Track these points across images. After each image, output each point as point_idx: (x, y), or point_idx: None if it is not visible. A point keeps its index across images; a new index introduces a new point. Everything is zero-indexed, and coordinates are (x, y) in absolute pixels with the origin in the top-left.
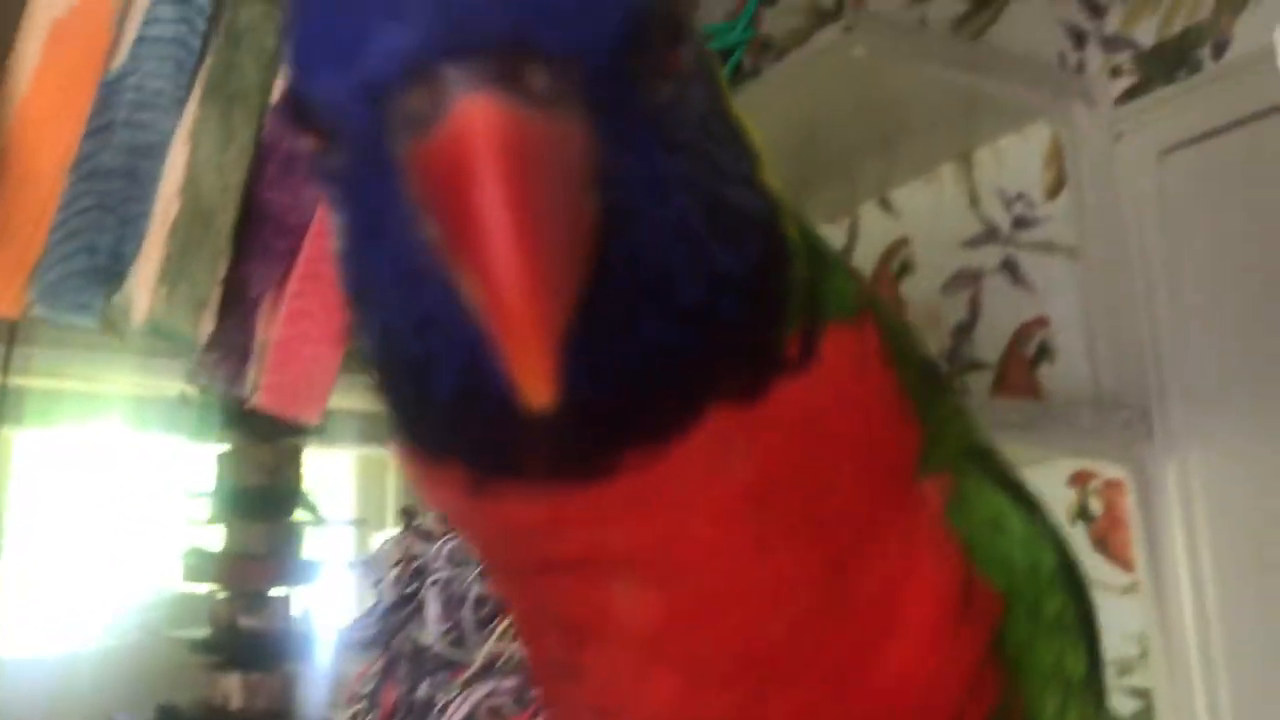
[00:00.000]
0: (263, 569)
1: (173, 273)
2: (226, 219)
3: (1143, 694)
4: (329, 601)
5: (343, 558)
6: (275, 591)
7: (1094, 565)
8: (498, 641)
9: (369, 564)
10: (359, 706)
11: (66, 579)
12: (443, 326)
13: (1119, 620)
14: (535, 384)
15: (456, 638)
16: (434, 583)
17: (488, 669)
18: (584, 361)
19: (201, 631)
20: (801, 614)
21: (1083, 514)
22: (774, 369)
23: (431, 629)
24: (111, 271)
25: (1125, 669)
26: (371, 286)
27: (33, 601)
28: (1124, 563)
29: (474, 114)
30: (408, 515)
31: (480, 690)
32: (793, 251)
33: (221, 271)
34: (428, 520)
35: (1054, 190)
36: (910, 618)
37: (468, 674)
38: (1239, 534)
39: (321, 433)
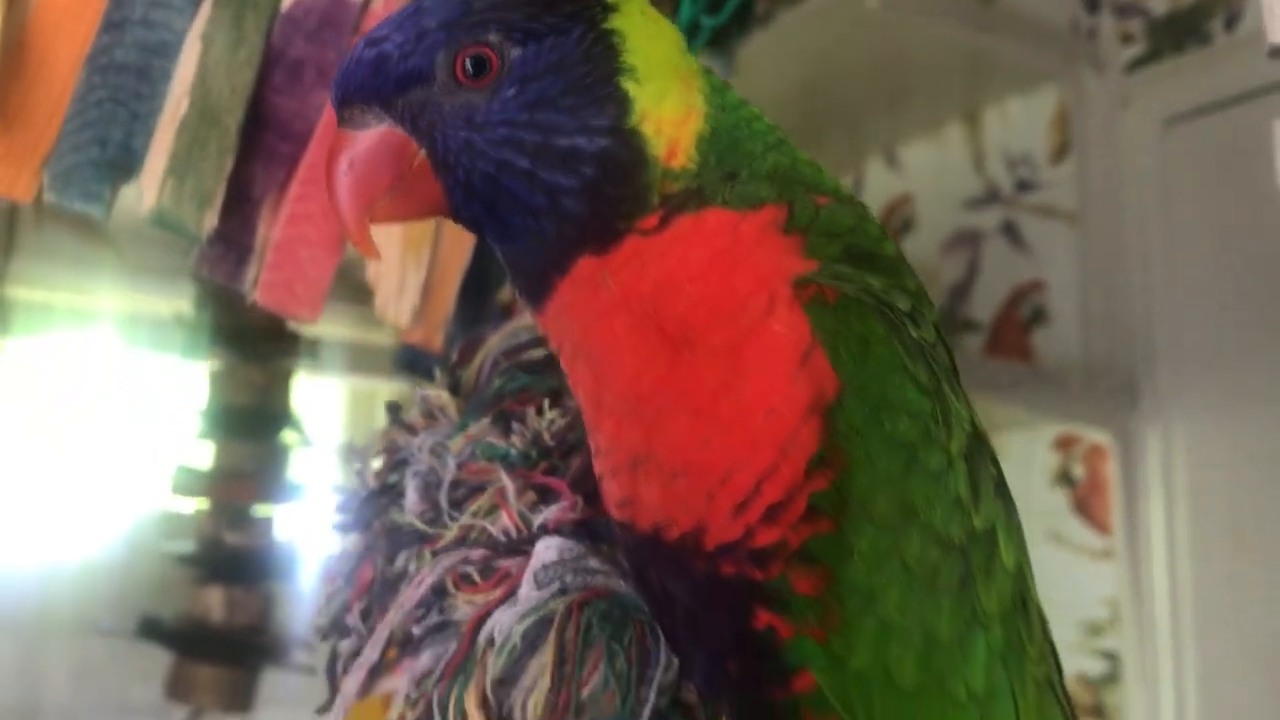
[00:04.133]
0: (249, 487)
1: (180, 168)
2: (233, 120)
3: (1111, 657)
4: (313, 523)
5: (328, 482)
6: (260, 510)
7: (1072, 529)
8: (470, 518)
9: (354, 453)
10: (336, 585)
11: (54, 489)
12: None
13: (1093, 584)
14: (359, 248)
15: (432, 517)
16: (415, 474)
17: (459, 541)
18: (495, 234)
19: (186, 546)
20: (665, 369)
21: (1065, 478)
22: (625, 234)
23: (409, 511)
24: (121, 164)
25: (1095, 631)
26: None
27: (20, 511)
28: (1102, 527)
29: (336, 135)
30: (393, 410)
31: (449, 559)
32: (647, 170)
33: (227, 170)
34: (412, 415)
35: (1058, 155)
36: (757, 367)
37: (439, 545)
38: (1216, 505)
39: (313, 356)
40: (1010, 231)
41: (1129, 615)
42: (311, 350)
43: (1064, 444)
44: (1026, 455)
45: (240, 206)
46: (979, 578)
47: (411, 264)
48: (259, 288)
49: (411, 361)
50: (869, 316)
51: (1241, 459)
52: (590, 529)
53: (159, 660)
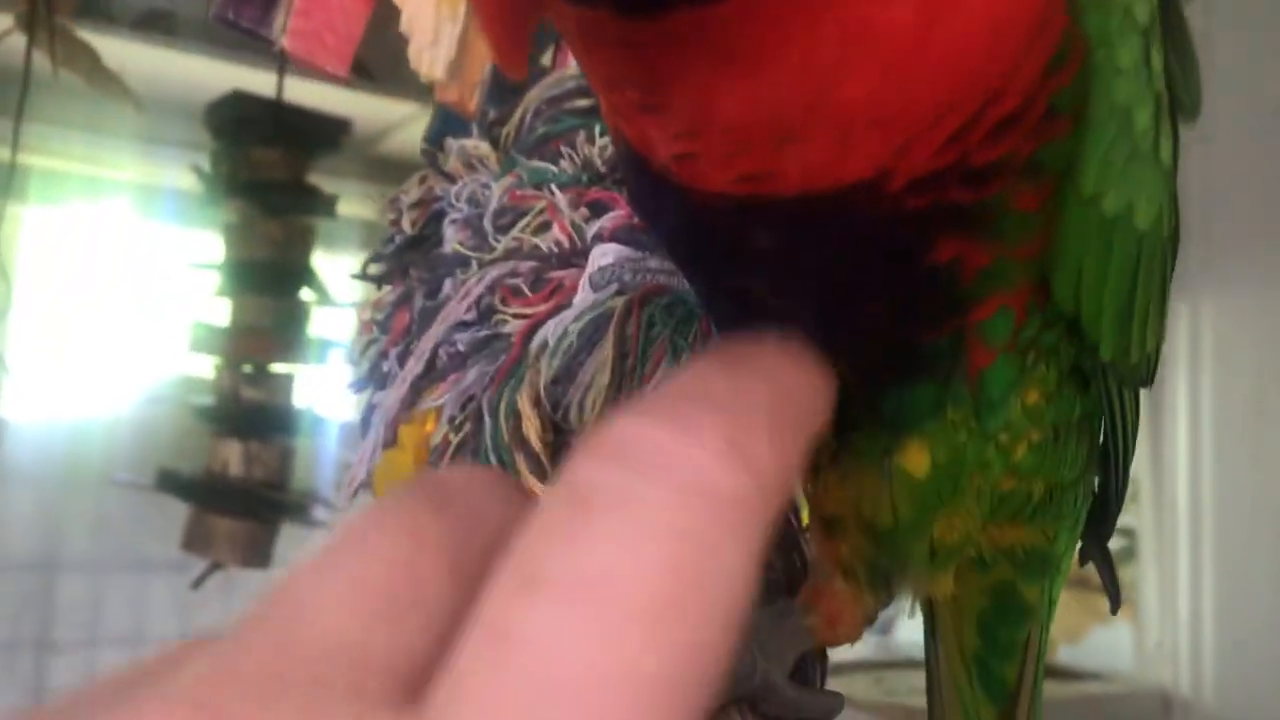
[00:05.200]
0: (266, 343)
1: None
2: None
3: (1128, 533)
4: (332, 382)
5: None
6: (278, 367)
7: None
8: (518, 234)
9: (389, 203)
10: (370, 336)
11: (75, 349)
12: None
13: None
14: (500, 59)
15: (476, 243)
16: (452, 222)
17: (507, 256)
18: None
19: (204, 401)
20: (859, 24)
21: None
22: None
23: (450, 241)
24: None
25: None
26: None
27: (42, 369)
28: None
29: None
30: (430, 157)
31: (497, 271)
32: None
33: None
34: (450, 164)
35: None
36: None
37: (486, 259)
38: (1242, 380)
39: (330, 211)
40: None
41: (1147, 492)
42: (328, 209)
43: None
44: None
45: None
46: (1163, 133)
47: (447, 14)
48: (287, 35)
49: (443, 135)
50: None
51: (1269, 336)
52: (650, 237)
53: (177, 517)
